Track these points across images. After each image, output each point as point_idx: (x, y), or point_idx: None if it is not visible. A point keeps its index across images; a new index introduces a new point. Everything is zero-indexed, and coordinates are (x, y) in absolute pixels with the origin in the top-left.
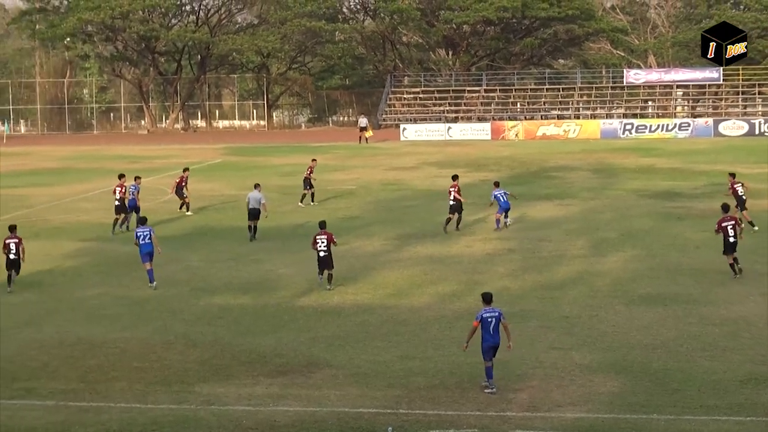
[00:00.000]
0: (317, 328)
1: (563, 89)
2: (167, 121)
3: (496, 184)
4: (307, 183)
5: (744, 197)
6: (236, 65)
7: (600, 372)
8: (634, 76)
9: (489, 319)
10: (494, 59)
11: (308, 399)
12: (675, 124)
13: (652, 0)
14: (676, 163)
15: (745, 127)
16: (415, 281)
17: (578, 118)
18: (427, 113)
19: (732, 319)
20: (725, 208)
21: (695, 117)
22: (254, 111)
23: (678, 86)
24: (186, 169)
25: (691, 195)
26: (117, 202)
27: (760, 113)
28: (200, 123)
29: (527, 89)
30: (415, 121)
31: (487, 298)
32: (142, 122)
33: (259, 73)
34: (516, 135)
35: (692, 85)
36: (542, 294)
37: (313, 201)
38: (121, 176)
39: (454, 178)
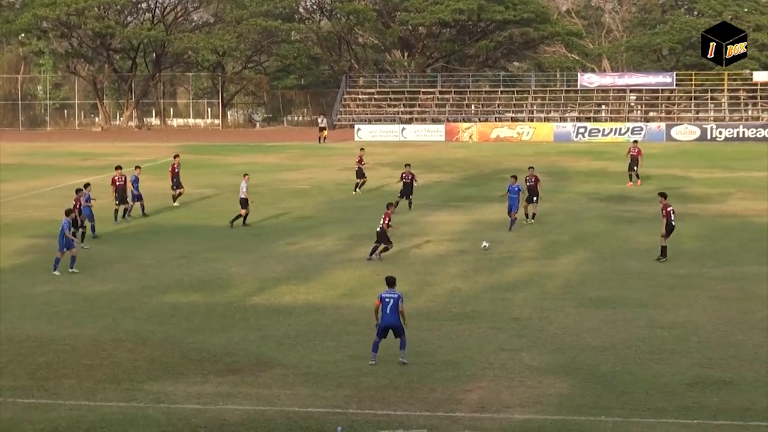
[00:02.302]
0: (268, 327)
1: (518, 92)
2: (121, 119)
3: (514, 178)
4: (360, 173)
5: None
6: (191, 64)
7: (549, 373)
8: (588, 79)
9: (387, 300)
10: (449, 61)
11: (258, 398)
12: (628, 128)
13: (606, 4)
14: (628, 167)
15: (697, 132)
16: (367, 281)
17: (532, 120)
18: (382, 114)
19: (680, 322)
20: (664, 195)
21: (648, 121)
22: (209, 110)
23: (631, 91)
24: (176, 156)
25: (642, 199)
26: (116, 193)
27: (712, 118)
28: (154, 121)
29: (482, 91)
30: (369, 121)
31: (389, 282)
32: (96, 119)
33: (214, 71)
34: (470, 137)
35: (645, 89)
36: (493, 295)
37: (357, 190)
38: (118, 167)
39: (407, 166)
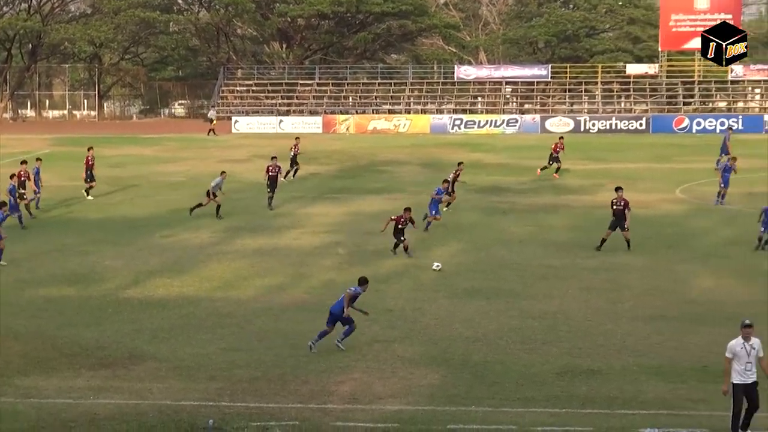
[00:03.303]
0: (141, 320)
1: (395, 84)
2: None
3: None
4: (294, 161)
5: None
6: (68, 55)
7: (421, 364)
8: (464, 72)
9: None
10: (328, 53)
11: (130, 392)
12: (503, 120)
13: None
14: (503, 158)
15: (571, 124)
16: (242, 273)
17: (409, 113)
18: (260, 106)
19: (551, 312)
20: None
21: (523, 113)
22: (85, 101)
23: (507, 83)
24: (90, 148)
25: (517, 190)
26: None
27: (585, 110)
28: (30, 113)
29: (359, 83)
30: (247, 113)
31: (361, 281)
32: None
33: (91, 63)
34: (347, 129)
35: (521, 82)
36: (368, 286)
37: (289, 176)
38: (23, 162)
39: (273, 158)
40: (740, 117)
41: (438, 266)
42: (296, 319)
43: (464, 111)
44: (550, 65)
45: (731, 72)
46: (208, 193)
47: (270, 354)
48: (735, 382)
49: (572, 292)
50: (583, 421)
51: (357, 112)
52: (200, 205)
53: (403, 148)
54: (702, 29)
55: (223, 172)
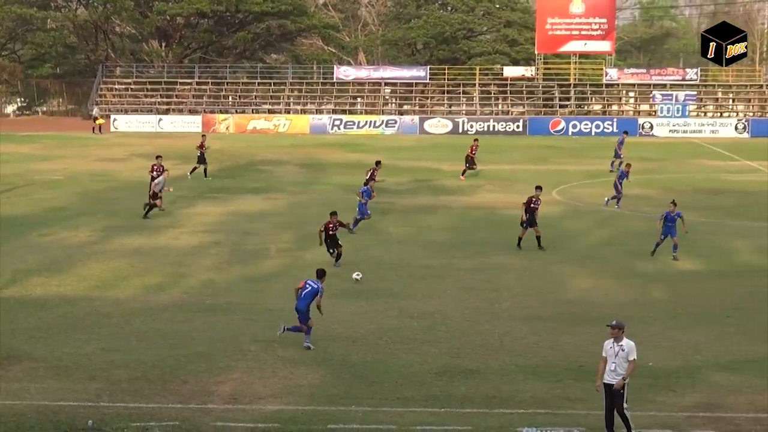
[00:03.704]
0: (18, 320)
1: (274, 84)
2: None
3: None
4: (202, 158)
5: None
6: None
7: (301, 364)
8: (343, 72)
9: (307, 286)
10: (207, 52)
11: (7, 392)
12: (383, 121)
13: None
14: (382, 158)
15: (450, 126)
16: (121, 273)
17: (289, 112)
18: (139, 104)
19: (429, 312)
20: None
21: (402, 114)
22: None
23: (386, 84)
24: None
25: (395, 191)
26: None
27: (464, 112)
28: None
29: (239, 83)
30: (126, 112)
31: (318, 273)
32: None
33: None
34: (227, 128)
35: (400, 83)
36: (247, 287)
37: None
38: None
39: (158, 157)
40: (615, 120)
41: (358, 276)
42: (175, 319)
43: (344, 111)
44: (428, 67)
45: (606, 75)
46: (154, 195)
47: (149, 354)
48: (604, 381)
49: (450, 293)
50: (461, 421)
51: (237, 112)
52: (153, 206)
53: (283, 148)
54: (577, 33)
55: (165, 171)
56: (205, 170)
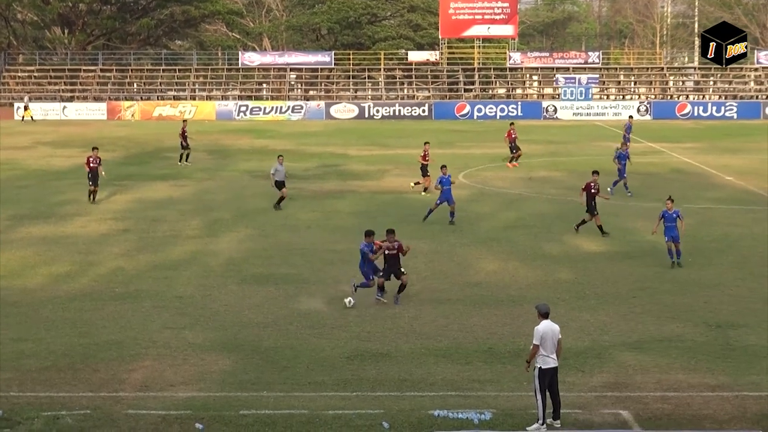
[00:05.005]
0: None
1: (179, 70)
2: None
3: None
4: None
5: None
6: None
7: (212, 351)
8: (249, 58)
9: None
10: (111, 39)
11: None
12: (288, 107)
13: None
14: (289, 144)
15: (356, 110)
16: (28, 262)
17: (194, 99)
18: (43, 92)
19: (339, 297)
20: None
21: (308, 100)
22: None
23: (292, 69)
24: None
25: (302, 176)
26: None
27: (369, 97)
28: None
29: (144, 70)
30: (30, 100)
31: (366, 233)
32: None
33: None
34: (132, 115)
35: (305, 68)
36: (156, 274)
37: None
38: None
39: (94, 148)
40: (519, 103)
41: (351, 302)
42: (84, 307)
43: (249, 98)
44: (333, 52)
45: (509, 59)
46: (277, 184)
47: (59, 343)
48: None
49: (359, 277)
50: (373, 404)
51: (142, 99)
52: (282, 198)
53: (189, 134)
54: (480, 17)
55: (279, 156)
56: (187, 155)
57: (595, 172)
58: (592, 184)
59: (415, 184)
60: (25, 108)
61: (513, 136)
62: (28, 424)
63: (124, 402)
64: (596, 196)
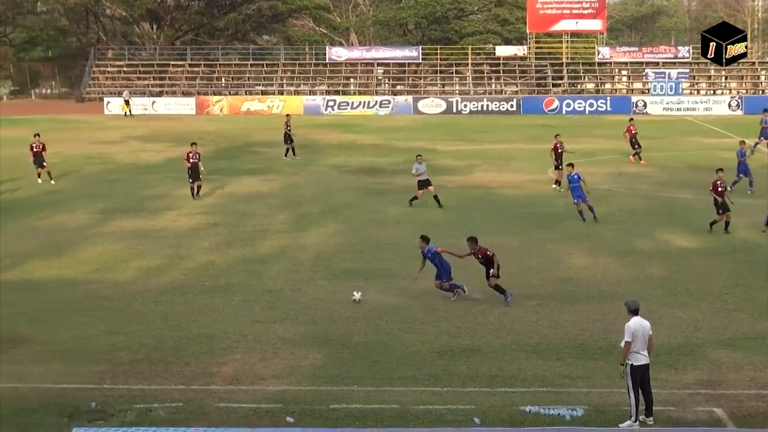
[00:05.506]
0: (20, 303)
1: (267, 65)
2: None
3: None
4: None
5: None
6: None
7: (303, 345)
8: (335, 53)
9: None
10: (199, 34)
11: (10, 375)
12: (376, 102)
13: None
14: (376, 139)
15: (443, 105)
16: (120, 256)
17: (282, 94)
18: (132, 87)
19: (429, 292)
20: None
21: (395, 95)
22: None
23: (379, 64)
24: None
25: (390, 171)
26: None
27: (457, 92)
28: None
29: (232, 65)
30: (119, 94)
31: (424, 239)
32: None
33: None
34: (221, 110)
35: (392, 63)
36: (246, 268)
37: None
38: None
39: (193, 144)
40: (608, 98)
41: (358, 296)
42: (175, 301)
43: (337, 92)
44: (420, 47)
45: (598, 54)
46: (421, 184)
47: (150, 336)
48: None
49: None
50: (464, 400)
51: (230, 93)
52: (415, 198)
53: (278, 129)
54: (568, 11)
55: (419, 156)
56: (293, 149)
57: (720, 170)
58: (719, 182)
59: (555, 183)
60: (126, 102)
61: (633, 131)
62: (121, 416)
63: (216, 395)
64: (723, 195)
